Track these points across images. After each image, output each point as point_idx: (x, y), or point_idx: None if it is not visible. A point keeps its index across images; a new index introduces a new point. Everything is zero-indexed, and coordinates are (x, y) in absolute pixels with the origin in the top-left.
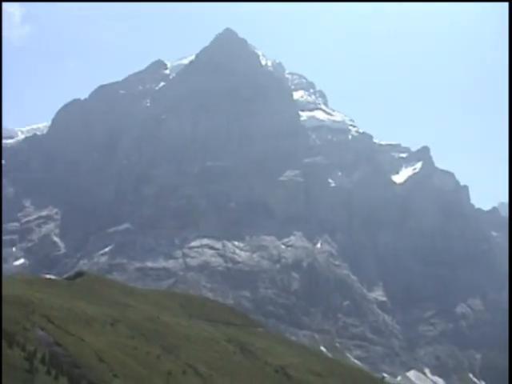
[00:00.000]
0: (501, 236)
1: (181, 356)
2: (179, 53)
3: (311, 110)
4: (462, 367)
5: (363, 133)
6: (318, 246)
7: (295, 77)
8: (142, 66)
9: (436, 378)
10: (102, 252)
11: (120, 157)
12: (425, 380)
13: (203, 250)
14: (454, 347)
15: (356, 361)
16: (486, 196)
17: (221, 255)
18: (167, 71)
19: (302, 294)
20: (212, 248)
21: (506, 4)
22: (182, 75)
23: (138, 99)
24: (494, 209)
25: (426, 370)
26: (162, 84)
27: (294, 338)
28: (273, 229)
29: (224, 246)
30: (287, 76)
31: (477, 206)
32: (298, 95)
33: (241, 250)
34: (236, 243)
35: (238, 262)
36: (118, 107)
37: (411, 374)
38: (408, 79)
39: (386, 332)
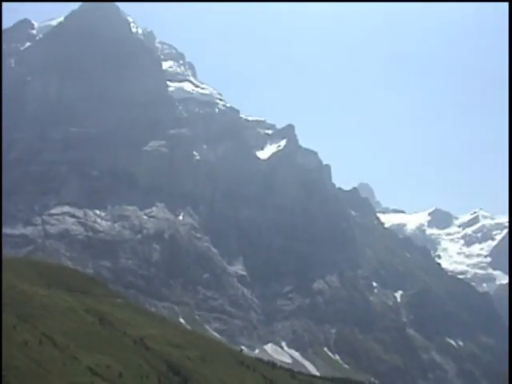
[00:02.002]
0: (359, 216)
1: (38, 326)
2: (48, 13)
3: (180, 81)
4: (318, 341)
5: (230, 107)
6: (180, 218)
7: (165, 46)
8: (7, 23)
9: (292, 352)
10: None
11: None
12: (281, 353)
13: (64, 217)
14: (311, 322)
15: (215, 333)
16: (347, 176)
17: (81, 223)
18: (34, 31)
19: (163, 266)
20: (73, 216)
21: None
22: (50, 37)
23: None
24: (354, 189)
25: (283, 344)
26: (28, 44)
27: (153, 310)
28: (135, 199)
29: (85, 214)
30: (157, 45)
31: (338, 185)
32: (167, 65)
33: (102, 219)
34: (97, 212)
35: (99, 231)
36: None
37: (268, 347)
38: (278, 58)
39: (245, 305)
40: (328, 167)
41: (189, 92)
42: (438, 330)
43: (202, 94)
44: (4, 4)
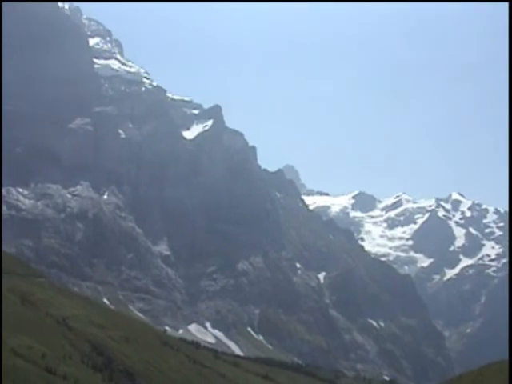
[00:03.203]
0: (284, 197)
1: None
2: None
3: (106, 58)
4: (242, 322)
5: (157, 86)
6: (105, 197)
7: (92, 23)
8: None
9: (216, 332)
10: None
11: None
12: (205, 333)
13: None
14: (235, 302)
15: (139, 313)
16: (273, 158)
17: (4, 202)
18: None
19: (86, 245)
20: None
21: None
22: None
23: None
24: (280, 171)
25: (207, 324)
26: None
27: (76, 290)
28: (59, 177)
29: (8, 192)
30: (84, 21)
31: (263, 167)
32: (93, 42)
33: (25, 197)
34: (20, 190)
35: (22, 210)
36: None
37: (192, 327)
38: (205, 38)
39: (169, 286)
40: (254, 148)
41: (115, 70)
42: (360, 311)
43: (129, 72)
44: None
